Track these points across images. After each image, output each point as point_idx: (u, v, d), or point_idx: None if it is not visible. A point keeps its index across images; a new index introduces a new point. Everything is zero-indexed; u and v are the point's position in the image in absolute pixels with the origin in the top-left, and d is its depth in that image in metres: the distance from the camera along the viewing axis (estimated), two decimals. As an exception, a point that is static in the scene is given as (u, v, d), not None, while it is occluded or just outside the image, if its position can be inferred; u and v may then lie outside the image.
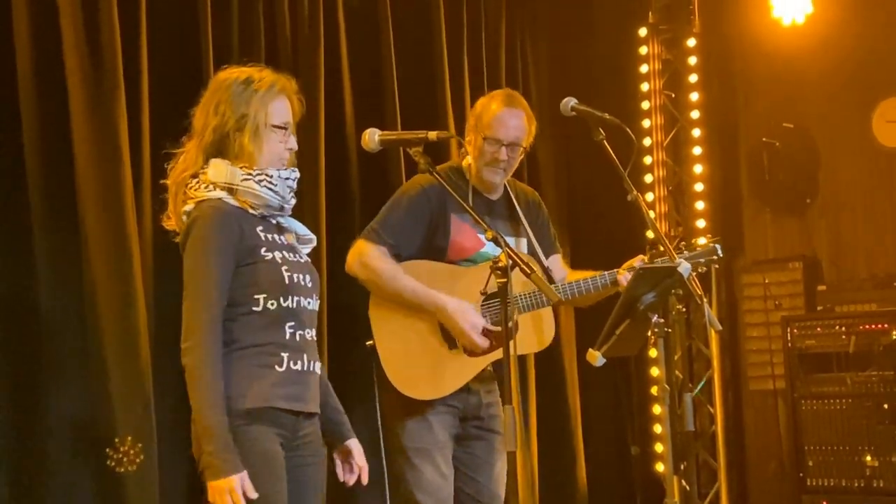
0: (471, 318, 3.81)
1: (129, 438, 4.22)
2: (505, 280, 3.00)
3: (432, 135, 3.25)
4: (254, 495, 2.84)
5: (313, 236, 3.24)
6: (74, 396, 4.26)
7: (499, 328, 3.83)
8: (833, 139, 6.42)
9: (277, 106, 3.07)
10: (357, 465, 3.25)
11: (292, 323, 3.03)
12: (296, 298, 3.04)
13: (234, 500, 2.81)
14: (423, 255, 3.89)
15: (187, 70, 4.69)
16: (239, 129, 3.02)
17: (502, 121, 3.92)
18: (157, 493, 4.31)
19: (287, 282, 3.02)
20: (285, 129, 3.09)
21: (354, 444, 3.26)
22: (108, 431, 4.24)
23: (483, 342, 3.82)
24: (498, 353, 3.85)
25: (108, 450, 4.20)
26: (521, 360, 5.63)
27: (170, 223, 3.10)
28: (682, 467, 6.31)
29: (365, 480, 3.26)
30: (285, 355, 3.01)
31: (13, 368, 4.15)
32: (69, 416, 4.25)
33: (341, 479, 3.27)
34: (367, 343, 3.85)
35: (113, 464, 4.18)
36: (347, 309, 4.00)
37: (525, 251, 4.00)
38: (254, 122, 3.03)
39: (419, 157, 3.23)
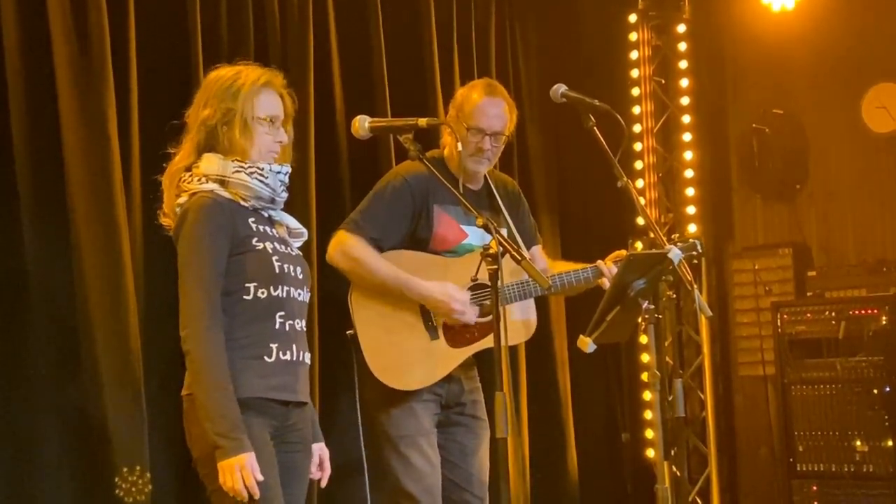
0: (456, 295, 3.80)
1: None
2: (496, 267, 3.01)
3: (422, 121, 3.25)
4: (260, 478, 2.85)
5: (304, 230, 3.27)
6: (64, 385, 4.25)
7: (485, 319, 3.84)
8: (823, 125, 6.42)
9: (263, 99, 3.10)
10: (319, 469, 3.26)
11: (282, 313, 3.05)
12: (286, 288, 3.06)
13: (245, 477, 2.83)
14: (405, 247, 3.88)
15: (175, 55, 4.67)
16: (226, 124, 3.07)
17: (484, 110, 3.91)
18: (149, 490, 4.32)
19: (277, 271, 3.04)
20: (272, 121, 3.11)
21: (318, 448, 3.27)
22: (99, 419, 4.22)
23: (473, 313, 3.80)
24: (481, 345, 3.86)
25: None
26: (512, 346, 5.63)
27: (166, 220, 3.13)
28: (672, 453, 6.30)
29: (324, 484, 3.29)
30: (274, 346, 3.02)
31: (1, 359, 4.14)
32: (60, 405, 4.23)
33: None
34: (348, 332, 3.83)
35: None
36: (337, 299, 3.99)
37: None
38: (241, 115, 3.06)
39: (409, 144, 3.22)
